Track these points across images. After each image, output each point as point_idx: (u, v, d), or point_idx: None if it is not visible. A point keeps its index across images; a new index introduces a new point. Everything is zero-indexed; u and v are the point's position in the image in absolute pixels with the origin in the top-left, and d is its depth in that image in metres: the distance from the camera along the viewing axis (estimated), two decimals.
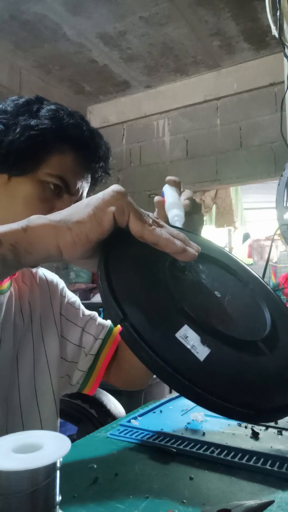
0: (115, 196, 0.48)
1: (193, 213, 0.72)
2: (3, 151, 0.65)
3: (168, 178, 0.75)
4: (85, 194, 0.74)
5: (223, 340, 0.48)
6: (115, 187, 0.50)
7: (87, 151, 0.70)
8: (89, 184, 0.74)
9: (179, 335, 0.45)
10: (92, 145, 0.71)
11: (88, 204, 0.48)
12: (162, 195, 0.75)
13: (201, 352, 0.45)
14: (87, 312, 0.87)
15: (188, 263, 0.55)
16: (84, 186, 0.72)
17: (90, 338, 0.83)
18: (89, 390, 0.83)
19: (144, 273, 0.51)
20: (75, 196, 0.70)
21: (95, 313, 0.88)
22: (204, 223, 0.79)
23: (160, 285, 0.51)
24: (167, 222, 0.66)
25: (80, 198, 0.72)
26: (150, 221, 0.50)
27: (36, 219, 0.48)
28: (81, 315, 0.85)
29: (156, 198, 0.74)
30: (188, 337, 0.45)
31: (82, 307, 0.88)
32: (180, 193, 0.75)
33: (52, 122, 0.67)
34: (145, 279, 0.51)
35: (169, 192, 0.72)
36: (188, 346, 0.45)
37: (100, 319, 0.87)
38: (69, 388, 0.84)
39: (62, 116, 0.68)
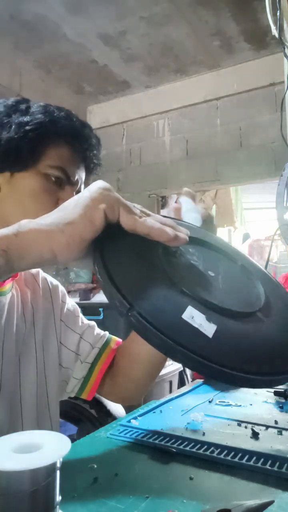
0: (103, 193, 0.49)
1: (208, 222, 0.77)
2: (1, 149, 0.67)
3: (185, 189, 0.80)
4: (83, 185, 0.75)
5: (226, 315, 0.51)
6: (100, 184, 0.50)
7: (80, 141, 0.72)
8: (85, 174, 0.76)
9: (185, 316, 0.47)
10: (84, 134, 0.73)
11: (76, 204, 0.48)
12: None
13: (208, 329, 0.47)
14: (86, 320, 0.87)
15: (179, 247, 0.57)
16: (82, 176, 0.74)
17: (87, 346, 0.82)
18: (86, 396, 0.82)
19: (140, 262, 0.53)
20: (76, 186, 0.72)
21: (94, 323, 0.87)
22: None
23: (157, 271, 0.52)
24: None
25: (80, 188, 0.74)
26: (139, 212, 0.50)
27: (27, 224, 0.48)
28: (80, 323, 0.85)
29: (174, 205, 0.78)
30: (194, 317, 0.47)
31: (81, 315, 0.87)
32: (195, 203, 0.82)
33: (45, 116, 0.69)
34: (142, 267, 0.52)
35: (186, 200, 0.78)
36: (196, 325, 0.46)
37: (98, 329, 0.87)
38: (64, 395, 0.83)
39: (52, 110, 0.71)
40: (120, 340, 0.86)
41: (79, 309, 0.88)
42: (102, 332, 0.86)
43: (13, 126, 0.67)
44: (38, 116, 0.68)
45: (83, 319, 0.87)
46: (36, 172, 0.68)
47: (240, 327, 0.51)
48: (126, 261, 0.51)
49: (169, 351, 0.44)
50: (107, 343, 0.84)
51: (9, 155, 0.66)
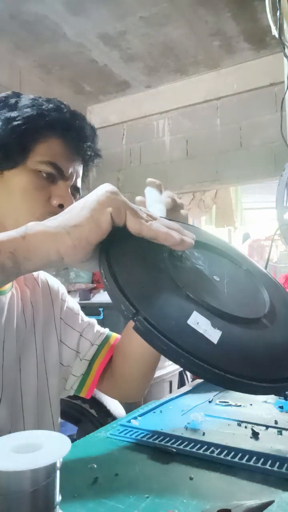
0: (110, 197, 0.48)
1: (176, 211, 0.72)
2: None
3: (149, 180, 0.75)
4: (79, 179, 0.74)
5: (230, 321, 0.50)
6: (107, 187, 0.50)
7: (71, 132, 0.70)
8: (82, 166, 0.74)
9: (190, 321, 0.46)
10: (75, 125, 0.71)
11: (83, 207, 0.48)
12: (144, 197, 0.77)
13: (214, 335, 0.46)
14: (86, 318, 0.87)
15: (184, 251, 0.57)
16: (77, 169, 0.73)
17: (86, 344, 0.82)
18: (85, 394, 0.82)
19: (145, 266, 0.52)
20: (70, 181, 0.71)
21: (94, 320, 0.87)
22: (189, 220, 0.79)
23: (162, 275, 0.52)
24: None
25: (76, 182, 0.73)
26: (145, 216, 0.50)
27: (34, 226, 0.48)
28: (79, 321, 0.85)
29: (138, 198, 0.74)
30: (199, 322, 0.47)
31: (81, 313, 0.87)
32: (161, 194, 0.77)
33: (32, 109, 0.67)
34: (148, 271, 0.52)
35: (150, 191, 0.74)
36: (201, 331, 0.46)
37: (98, 327, 0.86)
38: (64, 393, 0.83)
39: (41, 103, 0.69)
40: (120, 336, 0.87)
41: (79, 307, 0.88)
42: (102, 329, 0.86)
43: (0, 123, 0.66)
44: (26, 110, 0.67)
45: (83, 317, 0.87)
46: (26, 169, 0.67)
47: (245, 333, 0.51)
48: (132, 265, 0.51)
49: (173, 356, 0.44)
50: (106, 340, 0.84)
51: None
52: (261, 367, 0.48)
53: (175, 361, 0.44)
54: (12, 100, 0.69)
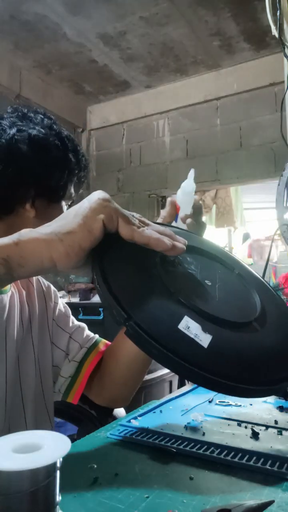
0: (102, 204, 0.50)
1: (199, 213, 0.79)
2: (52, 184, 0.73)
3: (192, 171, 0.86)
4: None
5: (221, 325, 0.51)
6: (100, 194, 0.51)
7: (83, 174, 0.82)
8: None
9: (181, 326, 0.47)
10: (86, 168, 0.83)
11: (76, 214, 0.49)
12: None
13: (204, 339, 0.47)
14: (76, 322, 0.89)
15: (177, 256, 0.58)
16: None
17: (76, 346, 0.83)
18: (72, 399, 0.81)
19: (138, 272, 0.53)
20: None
21: (84, 325, 0.89)
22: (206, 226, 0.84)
23: (155, 280, 0.53)
24: (170, 221, 0.78)
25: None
26: (137, 222, 0.51)
27: (28, 233, 0.49)
28: (70, 324, 0.86)
29: (170, 200, 0.84)
30: (190, 327, 0.47)
31: (72, 317, 0.89)
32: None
33: (78, 165, 0.78)
34: (140, 277, 0.53)
35: (190, 181, 0.83)
36: (192, 336, 0.46)
37: (87, 331, 0.88)
38: (54, 396, 0.83)
39: (82, 154, 0.80)
40: (109, 342, 0.87)
41: (70, 311, 0.90)
42: (91, 334, 0.88)
43: (57, 165, 0.74)
44: (70, 155, 0.76)
45: (73, 320, 0.88)
46: (60, 203, 0.76)
47: (236, 337, 0.51)
48: (124, 271, 0.52)
49: (164, 361, 0.44)
50: (95, 344, 0.85)
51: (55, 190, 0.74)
52: (253, 370, 0.49)
53: (167, 365, 0.45)
54: (65, 139, 0.76)
